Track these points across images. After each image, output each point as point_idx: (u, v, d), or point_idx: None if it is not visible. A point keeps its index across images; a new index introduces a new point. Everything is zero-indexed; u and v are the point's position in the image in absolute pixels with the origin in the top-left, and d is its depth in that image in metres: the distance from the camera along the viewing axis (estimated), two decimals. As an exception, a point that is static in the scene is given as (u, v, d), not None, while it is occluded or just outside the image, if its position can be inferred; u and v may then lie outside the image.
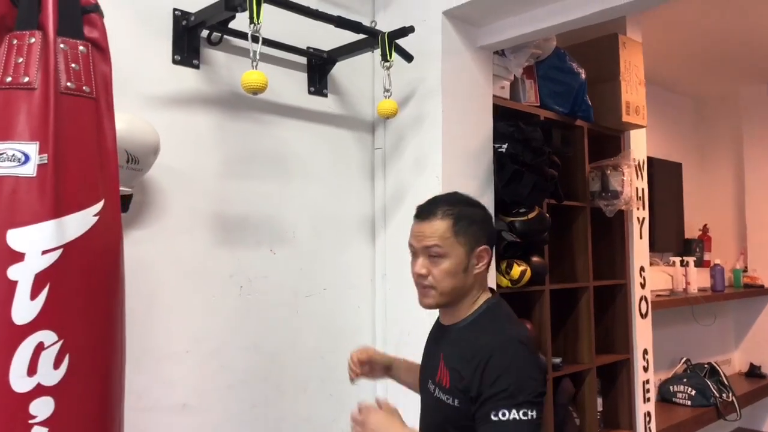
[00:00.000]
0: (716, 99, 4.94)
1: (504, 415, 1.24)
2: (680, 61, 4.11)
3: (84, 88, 1.21)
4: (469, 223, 1.40)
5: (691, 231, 4.72)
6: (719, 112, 4.97)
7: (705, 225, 4.80)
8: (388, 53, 2.02)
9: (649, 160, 3.97)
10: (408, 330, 2.27)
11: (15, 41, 1.16)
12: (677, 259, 4.14)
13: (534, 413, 1.25)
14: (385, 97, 2.03)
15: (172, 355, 1.83)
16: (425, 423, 1.51)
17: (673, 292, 4.01)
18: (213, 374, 1.92)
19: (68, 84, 1.18)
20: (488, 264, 1.45)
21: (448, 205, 1.42)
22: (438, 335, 1.53)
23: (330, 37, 2.16)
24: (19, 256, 1.09)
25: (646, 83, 3.14)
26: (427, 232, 1.39)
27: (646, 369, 3.17)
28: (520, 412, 1.24)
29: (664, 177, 4.34)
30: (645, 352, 3.19)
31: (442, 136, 2.21)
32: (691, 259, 4.13)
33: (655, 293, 3.77)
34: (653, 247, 3.97)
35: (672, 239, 4.44)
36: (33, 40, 1.16)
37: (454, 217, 1.39)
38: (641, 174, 3.24)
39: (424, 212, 1.42)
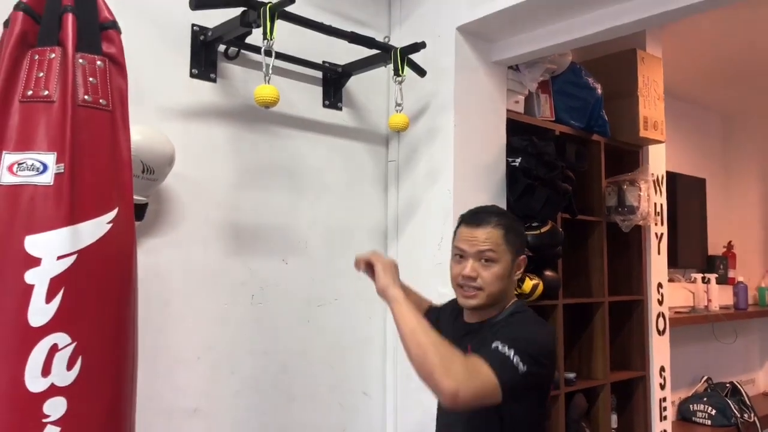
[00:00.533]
0: (743, 114, 4.88)
1: (503, 348, 1.31)
2: (706, 76, 4.08)
3: (101, 101, 1.26)
4: (516, 234, 1.55)
5: (715, 248, 4.65)
6: (746, 128, 4.90)
7: (729, 242, 4.72)
8: (400, 68, 2.06)
9: (673, 175, 3.95)
10: (419, 341, 2.29)
11: (36, 56, 1.22)
12: (698, 276, 4.09)
13: (526, 368, 1.30)
14: (397, 111, 2.07)
15: (183, 361, 1.87)
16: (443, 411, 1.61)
17: (694, 309, 3.96)
18: (224, 380, 1.96)
19: (85, 97, 1.24)
20: (523, 272, 1.62)
21: (499, 215, 1.56)
22: (462, 333, 1.59)
23: (345, 52, 2.20)
24: (35, 261, 1.15)
25: (671, 98, 3.14)
26: (482, 238, 1.51)
27: (663, 386, 3.14)
28: (516, 357, 1.30)
29: (687, 192, 4.30)
30: (662, 369, 3.15)
31: (454, 150, 2.24)
32: (712, 276, 4.08)
33: (675, 310, 3.72)
34: (676, 264, 3.93)
35: (695, 256, 4.38)
36: (53, 55, 1.22)
37: (505, 227, 1.53)
38: (660, 189, 3.22)
39: (478, 219, 1.55)
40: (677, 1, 1.91)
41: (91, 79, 1.25)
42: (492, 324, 1.52)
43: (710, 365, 4.15)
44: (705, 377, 4.01)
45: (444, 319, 1.74)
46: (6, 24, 1.26)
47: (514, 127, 2.52)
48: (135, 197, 1.64)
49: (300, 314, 2.16)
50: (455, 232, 1.60)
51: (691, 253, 4.30)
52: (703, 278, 4.07)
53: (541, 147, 2.44)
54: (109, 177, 1.25)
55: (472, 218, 1.56)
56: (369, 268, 1.54)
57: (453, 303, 1.70)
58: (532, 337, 1.40)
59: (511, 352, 1.30)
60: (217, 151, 1.99)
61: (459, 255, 1.55)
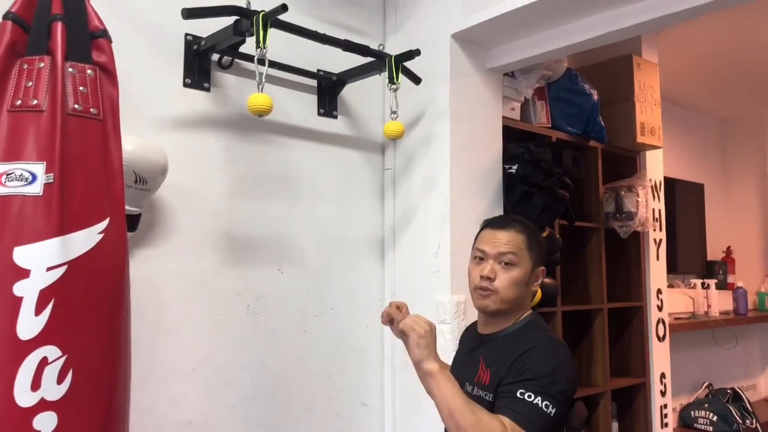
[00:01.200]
0: (741, 119, 4.88)
1: (530, 397, 1.28)
2: (703, 81, 4.08)
3: (91, 110, 1.25)
4: (537, 244, 1.53)
5: (715, 253, 4.64)
6: (744, 132, 4.90)
7: (728, 247, 4.71)
8: (395, 76, 2.05)
9: (671, 180, 3.94)
10: (417, 350, 2.27)
11: (25, 66, 1.21)
12: (698, 282, 4.07)
13: (555, 410, 1.28)
14: (392, 118, 2.06)
15: (178, 373, 1.85)
16: None
17: (694, 315, 3.94)
18: (219, 392, 1.93)
19: (75, 106, 1.22)
20: (540, 284, 1.57)
21: (523, 223, 1.54)
22: (475, 345, 1.57)
23: (340, 60, 2.19)
24: (24, 273, 1.13)
25: (668, 103, 3.13)
26: (504, 240, 1.49)
27: (663, 393, 3.11)
28: (544, 403, 1.27)
29: (685, 198, 4.29)
30: (662, 376, 3.13)
31: (451, 158, 2.23)
32: (712, 282, 4.06)
33: (675, 316, 3.71)
34: (675, 269, 3.92)
35: (694, 261, 4.36)
36: (42, 64, 1.21)
37: (528, 234, 1.51)
38: (658, 195, 3.21)
39: (501, 223, 1.54)
40: (672, 6, 1.91)
41: (81, 88, 1.24)
42: (506, 335, 1.49)
43: (711, 371, 4.12)
44: (706, 383, 3.99)
45: (463, 339, 1.72)
46: (-5, 33, 1.24)
47: (511, 133, 2.51)
48: (128, 208, 1.62)
49: (296, 324, 2.14)
50: (477, 237, 1.58)
51: (690, 258, 4.29)
52: (703, 284, 4.05)
53: (538, 154, 2.43)
54: (100, 187, 1.24)
55: (497, 221, 1.56)
56: (396, 324, 1.50)
57: (473, 323, 1.67)
58: (556, 371, 1.33)
59: (539, 399, 1.27)
60: (211, 161, 1.97)
61: (479, 257, 1.52)
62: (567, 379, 1.35)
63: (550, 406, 1.28)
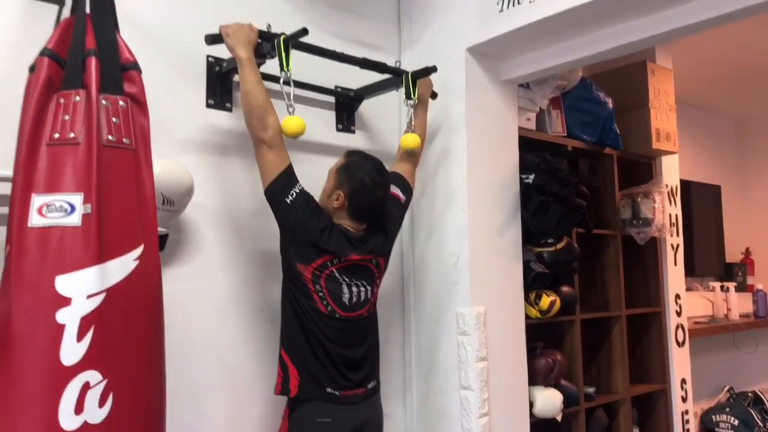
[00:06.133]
0: (757, 119, 4.87)
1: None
2: (717, 83, 4.08)
3: (124, 140, 1.30)
4: (343, 170, 1.87)
5: (733, 255, 4.62)
6: (760, 133, 4.89)
7: (747, 248, 4.69)
8: (411, 92, 2.08)
9: (687, 183, 3.94)
10: (438, 361, 2.30)
11: (62, 100, 1.26)
12: (717, 285, 4.06)
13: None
14: (410, 132, 2.09)
15: (206, 387, 1.89)
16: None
17: (714, 318, 3.93)
18: (246, 407, 1.98)
19: (109, 137, 1.27)
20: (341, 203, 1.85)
21: (348, 154, 1.94)
22: None
23: (357, 76, 2.23)
24: (66, 301, 1.18)
25: (683, 105, 3.14)
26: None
27: (684, 399, 3.12)
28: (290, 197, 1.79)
29: (702, 200, 4.29)
30: (683, 381, 3.13)
31: (468, 170, 2.26)
32: (731, 285, 4.05)
33: (695, 320, 3.70)
34: (693, 273, 3.91)
35: (713, 264, 4.35)
36: (78, 98, 1.26)
37: (339, 162, 1.92)
38: (674, 200, 3.22)
39: None
40: (683, 18, 1.92)
41: (114, 119, 1.29)
42: None
43: (731, 375, 4.11)
44: (727, 387, 3.98)
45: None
46: (32, 69, 1.30)
47: (527, 143, 2.53)
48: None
49: (320, 337, 2.17)
50: None
51: (708, 261, 4.28)
52: (722, 286, 4.04)
53: (554, 163, 2.46)
54: (134, 214, 1.29)
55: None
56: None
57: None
58: None
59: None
60: (234, 179, 2.02)
61: None
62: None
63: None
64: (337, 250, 1.76)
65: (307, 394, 1.75)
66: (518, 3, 2.09)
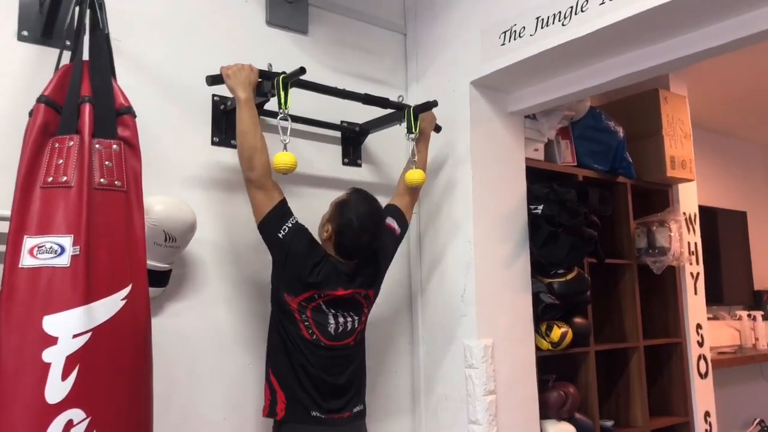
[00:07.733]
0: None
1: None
2: (739, 107, 4.00)
3: (116, 182, 1.34)
4: (333, 209, 1.92)
5: (762, 282, 4.48)
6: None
7: (776, 275, 4.56)
8: (413, 126, 2.10)
9: (712, 210, 3.86)
10: (446, 395, 2.27)
11: (57, 144, 1.31)
12: (744, 313, 3.94)
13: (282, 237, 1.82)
14: (412, 166, 2.10)
15: (210, 423, 1.90)
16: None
17: (741, 348, 3.81)
18: (249, 441, 1.98)
19: (101, 180, 1.31)
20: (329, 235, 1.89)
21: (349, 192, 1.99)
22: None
23: (362, 111, 2.26)
24: (53, 340, 1.21)
25: (706, 131, 3.09)
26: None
27: (708, 433, 3.01)
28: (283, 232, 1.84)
29: (728, 227, 4.19)
30: (707, 414, 3.03)
31: (473, 202, 2.25)
32: (758, 313, 3.93)
33: (719, 350, 3.59)
34: (720, 301, 3.81)
35: (741, 291, 4.23)
36: (71, 143, 1.31)
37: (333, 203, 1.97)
38: (693, 227, 3.15)
39: None
40: (691, 46, 1.90)
41: (107, 162, 1.33)
42: None
43: (761, 407, 3.96)
44: (757, 420, 3.84)
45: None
46: (30, 114, 1.35)
47: (536, 174, 2.52)
48: (158, 264, 1.72)
49: (324, 371, 2.17)
50: None
51: (736, 289, 4.16)
52: (749, 315, 3.92)
53: (563, 193, 2.44)
54: (123, 255, 1.32)
55: None
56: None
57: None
58: None
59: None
60: (238, 215, 2.04)
61: None
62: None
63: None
64: (324, 285, 1.79)
65: (293, 416, 1.77)
66: (519, 36, 2.10)
